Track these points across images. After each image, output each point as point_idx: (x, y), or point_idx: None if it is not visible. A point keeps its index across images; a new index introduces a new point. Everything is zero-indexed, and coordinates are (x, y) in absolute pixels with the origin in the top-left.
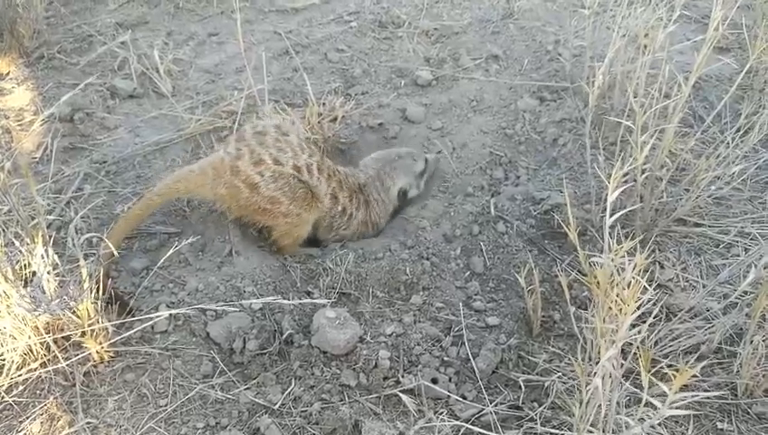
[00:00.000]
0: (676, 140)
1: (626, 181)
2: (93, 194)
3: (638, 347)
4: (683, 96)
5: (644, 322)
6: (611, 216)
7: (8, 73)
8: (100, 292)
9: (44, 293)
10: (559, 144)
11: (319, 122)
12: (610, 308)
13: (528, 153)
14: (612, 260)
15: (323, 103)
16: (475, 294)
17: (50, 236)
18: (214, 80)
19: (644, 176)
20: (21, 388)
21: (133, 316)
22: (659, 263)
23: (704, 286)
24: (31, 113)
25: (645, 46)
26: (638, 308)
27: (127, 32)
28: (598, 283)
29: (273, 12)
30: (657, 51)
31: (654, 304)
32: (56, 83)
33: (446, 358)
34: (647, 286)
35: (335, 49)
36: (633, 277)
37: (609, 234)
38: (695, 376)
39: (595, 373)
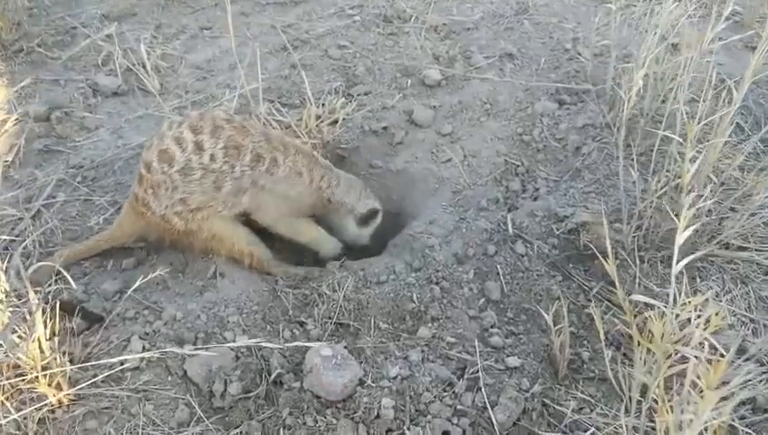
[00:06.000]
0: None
1: (660, 197)
2: (67, 202)
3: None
4: (734, 104)
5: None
6: (677, 261)
7: None
8: (57, 326)
9: None
10: (582, 153)
11: (317, 126)
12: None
13: (547, 162)
14: (677, 316)
15: (323, 104)
16: (491, 327)
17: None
18: (205, 77)
19: (691, 196)
20: None
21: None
22: (701, 292)
23: (752, 321)
24: (4, 112)
25: (673, 45)
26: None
27: (113, 24)
28: (645, 333)
29: (270, 4)
30: (691, 51)
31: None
32: (34, 79)
33: (459, 406)
34: (722, 352)
35: (336, 45)
36: (711, 346)
37: (641, 257)
38: None
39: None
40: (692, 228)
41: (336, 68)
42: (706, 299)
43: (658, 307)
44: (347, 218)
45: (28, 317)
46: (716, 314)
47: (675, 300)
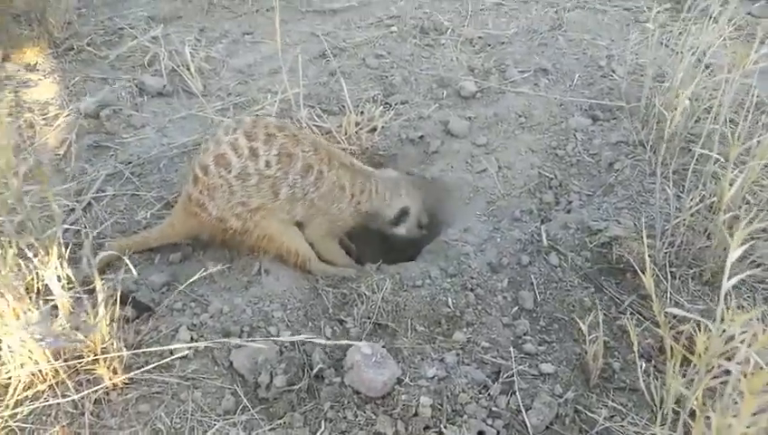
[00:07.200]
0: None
1: (692, 215)
2: (116, 197)
3: None
4: None
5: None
6: (730, 279)
7: (36, 64)
8: (116, 313)
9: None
10: (615, 169)
11: (356, 132)
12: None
13: (581, 177)
14: (724, 331)
15: (361, 112)
16: (525, 334)
17: (66, 245)
18: (246, 81)
19: (727, 216)
20: (26, 413)
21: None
22: (741, 310)
23: None
24: (56, 107)
25: (706, 66)
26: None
27: (159, 26)
28: (686, 344)
29: (310, 12)
30: (730, 72)
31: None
32: (84, 77)
33: (494, 408)
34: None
35: (374, 54)
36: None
37: (672, 273)
38: None
39: None
40: (744, 247)
41: (373, 77)
42: (759, 315)
43: (695, 321)
44: (383, 227)
45: (87, 304)
46: (764, 332)
47: (723, 316)
